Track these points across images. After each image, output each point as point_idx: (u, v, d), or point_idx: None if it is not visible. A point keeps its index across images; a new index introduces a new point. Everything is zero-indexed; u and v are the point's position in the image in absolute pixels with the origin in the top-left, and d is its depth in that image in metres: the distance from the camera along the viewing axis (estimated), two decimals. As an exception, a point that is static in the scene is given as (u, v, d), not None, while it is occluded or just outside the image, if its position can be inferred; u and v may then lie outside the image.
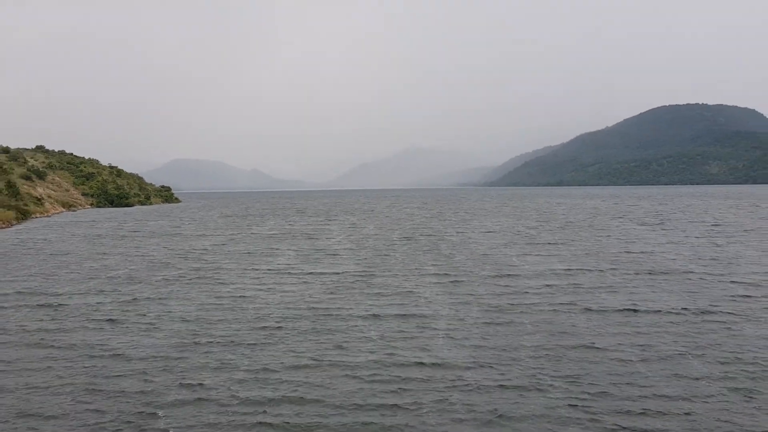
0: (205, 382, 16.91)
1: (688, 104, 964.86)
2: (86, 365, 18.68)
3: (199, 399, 15.71)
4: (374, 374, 17.42)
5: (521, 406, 14.93)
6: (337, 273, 36.22)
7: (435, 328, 22.46)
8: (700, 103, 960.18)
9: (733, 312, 24.31)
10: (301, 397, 15.76)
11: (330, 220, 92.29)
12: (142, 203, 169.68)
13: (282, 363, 18.55)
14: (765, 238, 54.70)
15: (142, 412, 14.95)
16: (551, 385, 16.32)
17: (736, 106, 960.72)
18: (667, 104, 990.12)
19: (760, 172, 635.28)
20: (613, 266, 37.10)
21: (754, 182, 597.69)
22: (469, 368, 17.80)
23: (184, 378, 17.36)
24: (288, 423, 14.19)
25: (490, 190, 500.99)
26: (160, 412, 14.88)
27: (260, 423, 14.23)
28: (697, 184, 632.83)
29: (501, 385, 16.34)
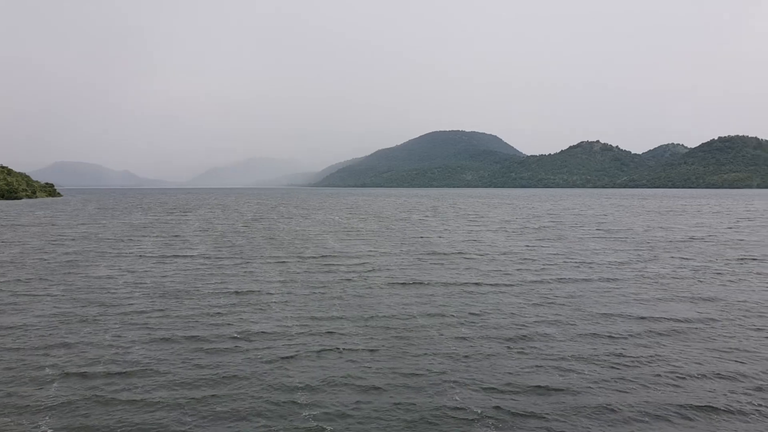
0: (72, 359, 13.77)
1: (452, 130, 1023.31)
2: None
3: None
4: (216, 347, 15.00)
5: (339, 367, 13.18)
6: (191, 256, 32.87)
7: (268, 302, 20.21)
8: (460, 129, 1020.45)
9: (480, 283, 23.95)
10: (150, 369, 13.07)
11: (187, 213, 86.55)
12: (29, 197, 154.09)
13: (137, 339, 15.62)
14: (510, 226, 56.62)
15: None
16: (373, 349, 14.68)
17: (485, 133, 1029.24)
18: (438, 130, 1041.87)
19: (499, 179, 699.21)
20: (407, 248, 36.46)
21: (495, 186, 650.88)
22: (301, 334, 15.85)
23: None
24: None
25: (316, 190, 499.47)
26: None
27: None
28: (458, 187, 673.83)
29: (324, 350, 14.55)
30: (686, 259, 31.67)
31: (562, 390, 11.91)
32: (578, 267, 28.52)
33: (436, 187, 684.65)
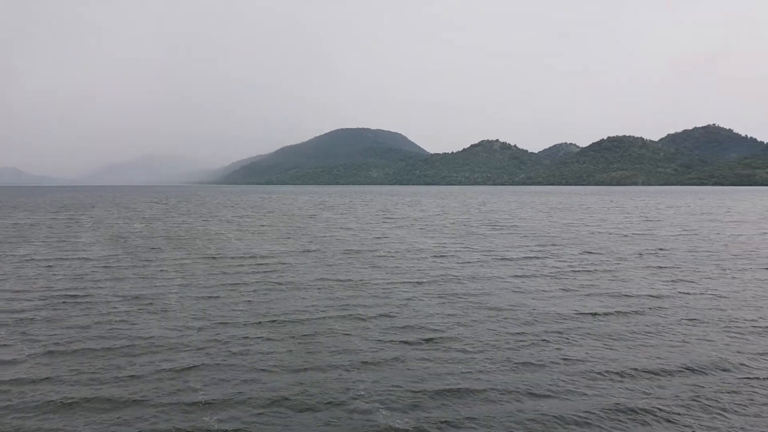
0: None
1: (358, 128, 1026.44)
2: None
3: None
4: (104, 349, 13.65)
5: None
6: (84, 259, 30.45)
7: (167, 307, 18.85)
8: (366, 127, 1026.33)
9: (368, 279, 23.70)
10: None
11: (79, 212, 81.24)
12: None
13: (23, 350, 13.97)
14: (418, 223, 56.99)
15: None
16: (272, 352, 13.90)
17: (390, 131, 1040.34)
18: (344, 127, 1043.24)
19: (404, 176, 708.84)
20: (315, 246, 35.63)
21: (400, 183, 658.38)
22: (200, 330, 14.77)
23: None
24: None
25: (219, 188, 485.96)
26: None
27: None
28: (364, 184, 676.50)
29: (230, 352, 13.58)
30: (591, 253, 32.85)
31: (471, 390, 11.75)
32: (487, 263, 28.85)
33: (343, 184, 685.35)
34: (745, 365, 13.25)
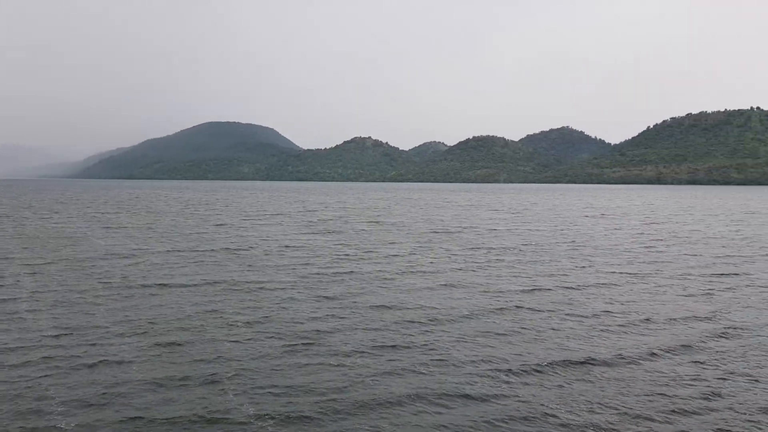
0: None
1: (229, 121, 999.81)
2: None
3: None
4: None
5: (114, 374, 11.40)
6: None
7: (18, 312, 17.09)
8: (237, 121, 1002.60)
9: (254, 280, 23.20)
10: None
11: None
12: None
13: None
14: (288, 220, 56.27)
15: None
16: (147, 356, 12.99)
17: (261, 125, 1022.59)
18: (214, 120, 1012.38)
19: (276, 172, 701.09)
20: (182, 244, 33.98)
21: (272, 179, 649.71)
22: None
23: None
24: None
25: (76, 182, 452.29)
26: None
27: None
28: (235, 179, 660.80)
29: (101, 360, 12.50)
30: (459, 248, 34.00)
31: (343, 388, 11.68)
32: (358, 259, 29.01)
33: (212, 179, 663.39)
34: (603, 356, 14.20)
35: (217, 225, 49.49)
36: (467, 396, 11.39)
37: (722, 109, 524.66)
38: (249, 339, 14.97)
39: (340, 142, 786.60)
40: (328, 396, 11.31)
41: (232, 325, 16.31)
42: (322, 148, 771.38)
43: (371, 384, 11.94)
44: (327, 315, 17.48)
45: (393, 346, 14.37)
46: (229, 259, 28.68)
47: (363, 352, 14.00)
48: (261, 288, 21.55)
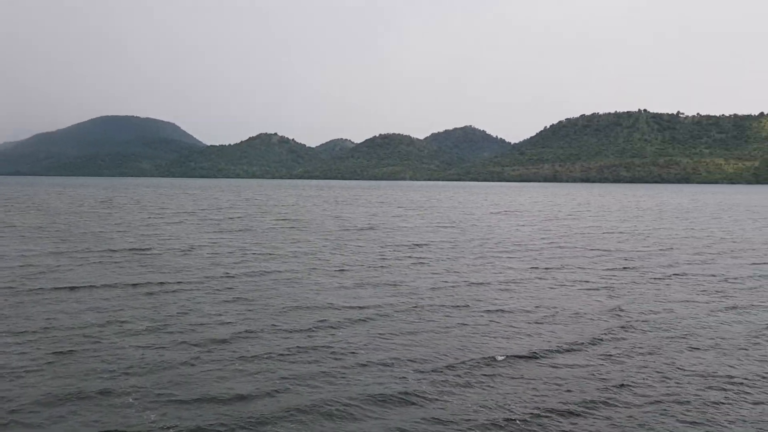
0: None
1: (125, 115, 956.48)
2: None
3: None
4: None
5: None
6: None
7: None
8: (135, 115, 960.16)
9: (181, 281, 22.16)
10: None
11: None
12: None
13: None
14: (192, 218, 54.35)
15: None
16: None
17: (161, 120, 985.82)
18: (109, 114, 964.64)
19: (178, 169, 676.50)
20: (76, 245, 31.82)
21: (174, 176, 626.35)
22: None
23: None
24: None
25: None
26: None
27: None
28: (133, 176, 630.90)
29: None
30: (369, 246, 33.93)
31: (254, 396, 11.19)
32: (266, 259, 28.30)
33: (108, 176, 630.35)
34: (508, 348, 14.51)
35: (117, 224, 46.93)
36: (380, 398, 11.16)
37: (613, 111, 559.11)
38: (152, 345, 14.07)
39: (245, 138, 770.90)
40: (238, 404, 10.77)
41: (133, 330, 15.29)
42: (227, 144, 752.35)
43: (282, 390, 11.48)
44: (235, 318, 16.79)
45: (305, 349, 13.94)
46: (130, 261, 27.14)
47: (273, 356, 13.46)
48: (165, 291, 20.46)
